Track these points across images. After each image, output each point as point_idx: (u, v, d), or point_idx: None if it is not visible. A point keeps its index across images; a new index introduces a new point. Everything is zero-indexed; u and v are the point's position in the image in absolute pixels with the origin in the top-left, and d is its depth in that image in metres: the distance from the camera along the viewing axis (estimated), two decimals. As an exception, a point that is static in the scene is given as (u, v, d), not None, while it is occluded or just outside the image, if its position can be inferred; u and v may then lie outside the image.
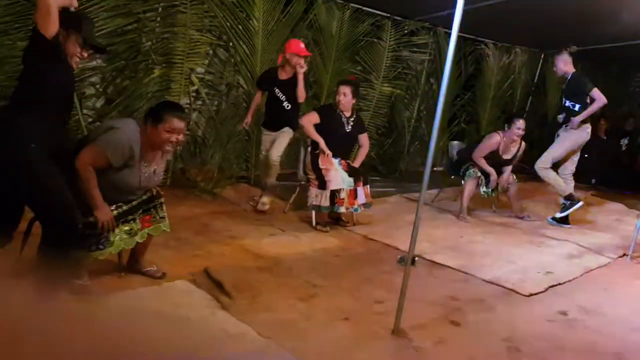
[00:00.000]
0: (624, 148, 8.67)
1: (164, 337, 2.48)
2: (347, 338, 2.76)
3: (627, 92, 10.02)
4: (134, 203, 2.97)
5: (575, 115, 5.32)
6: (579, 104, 5.31)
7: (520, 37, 7.57)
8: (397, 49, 6.71)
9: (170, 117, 2.82)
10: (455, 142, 6.27)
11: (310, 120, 4.61)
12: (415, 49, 6.96)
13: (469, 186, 5.46)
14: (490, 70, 7.80)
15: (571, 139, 5.45)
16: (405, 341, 2.79)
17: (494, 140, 5.46)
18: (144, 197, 3.02)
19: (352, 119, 4.70)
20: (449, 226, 5.15)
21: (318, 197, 4.48)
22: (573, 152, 5.58)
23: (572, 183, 5.62)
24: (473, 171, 5.47)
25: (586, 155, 8.36)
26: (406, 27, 6.72)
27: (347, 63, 6.44)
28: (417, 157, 7.50)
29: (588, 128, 5.39)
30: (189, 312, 2.66)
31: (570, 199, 5.46)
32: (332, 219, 4.77)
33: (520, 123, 5.39)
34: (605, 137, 8.51)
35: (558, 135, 5.58)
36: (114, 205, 2.86)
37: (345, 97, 4.59)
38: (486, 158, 5.45)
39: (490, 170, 5.43)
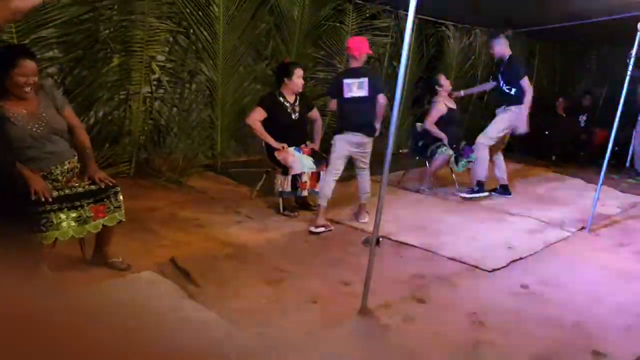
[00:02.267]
0: (582, 124, 8.91)
1: (129, 328, 2.47)
2: (315, 321, 2.80)
3: (584, 70, 10.27)
4: (79, 190, 2.92)
5: (511, 100, 5.55)
6: (514, 88, 5.53)
7: (480, 18, 7.66)
8: (360, 33, 6.71)
9: (18, 60, 2.77)
10: (419, 123, 6.33)
11: (256, 118, 4.54)
12: (378, 33, 6.97)
13: (438, 162, 5.67)
14: (452, 52, 7.89)
15: (508, 119, 5.65)
16: (372, 320, 2.86)
17: (440, 105, 5.78)
18: (93, 187, 2.96)
19: (296, 104, 4.66)
20: (414, 206, 5.23)
21: (282, 183, 4.50)
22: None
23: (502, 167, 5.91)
24: (445, 149, 5.64)
25: (546, 132, 8.61)
26: (367, 11, 6.73)
27: (310, 47, 6.43)
28: (384, 139, 7.54)
29: (518, 108, 5.58)
30: (155, 302, 2.65)
31: (481, 186, 5.67)
32: (299, 204, 4.79)
33: (443, 79, 5.89)
34: (564, 114, 8.73)
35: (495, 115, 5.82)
36: (52, 187, 2.84)
37: (301, 80, 4.60)
38: (441, 124, 5.74)
39: (443, 135, 5.71)
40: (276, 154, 4.53)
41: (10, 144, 2.70)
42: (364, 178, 4.50)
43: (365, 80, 4.26)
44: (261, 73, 6.14)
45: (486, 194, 5.69)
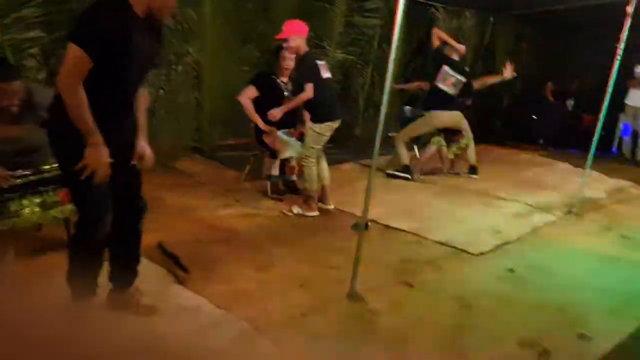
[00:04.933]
0: (570, 109, 8.93)
1: (117, 314, 2.46)
2: (304, 305, 2.80)
3: (573, 54, 10.27)
4: (45, 175, 2.86)
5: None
6: None
7: (470, 0, 7.62)
8: (349, 15, 6.65)
9: None
10: (408, 107, 6.33)
11: (248, 95, 4.47)
12: (367, 14, 6.90)
13: (432, 151, 5.77)
14: (441, 35, 7.83)
15: None
16: (360, 304, 2.86)
17: None
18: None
19: (289, 85, 4.62)
20: (402, 191, 5.24)
21: (270, 167, 4.48)
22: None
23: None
24: (438, 139, 5.72)
25: (534, 117, 8.63)
26: (358, -8, 6.66)
27: (274, 39, 6.34)
28: (372, 123, 7.52)
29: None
30: (143, 287, 2.63)
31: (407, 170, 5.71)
32: (287, 187, 4.77)
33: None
34: (551, 99, 8.75)
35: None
36: (20, 173, 2.77)
37: (292, 61, 4.53)
38: None
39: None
40: (264, 137, 4.49)
41: None
42: (324, 158, 4.41)
43: (324, 62, 4.23)
44: (249, 55, 6.05)
45: (408, 176, 5.67)
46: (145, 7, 2.13)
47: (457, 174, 6.02)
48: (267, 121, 4.45)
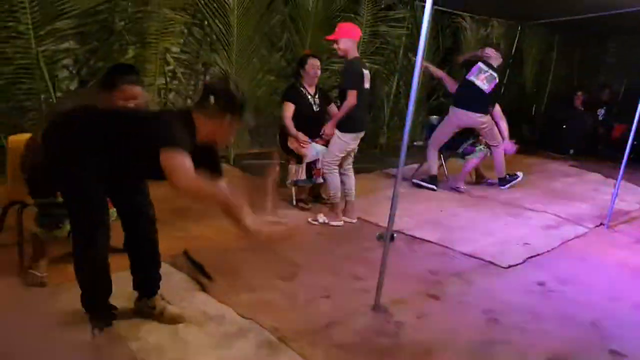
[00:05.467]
0: (600, 118, 8.75)
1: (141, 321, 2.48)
2: (328, 315, 2.78)
3: (603, 63, 10.08)
4: None
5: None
6: None
7: (497, 9, 7.54)
8: (375, 24, 6.65)
9: (121, 84, 2.70)
10: (434, 116, 6.27)
11: (290, 116, 4.47)
12: (393, 24, 6.89)
13: (476, 161, 5.69)
14: (468, 44, 7.76)
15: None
16: (385, 316, 2.83)
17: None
18: None
19: (316, 96, 4.60)
20: (428, 200, 5.18)
21: (296, 173, 4.47)
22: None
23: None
24: (481, 147, 5.66)
25: (564, 126, 8.48)
26: (382, 2, 6.66)
27: (324, 39, 6.36)
28: (397, 132, 7.50)
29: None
30: (167, 295, 2.65)
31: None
32: (313, 196, 4.76)
33: None
34: (582, 108, 8.58)
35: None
36: None
37: (319, 71, 4.53)
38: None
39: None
40: (289, 143, 4.51)
41: None
42: (352, 171, 4.40)
43: (367, 72, 4.17)
44: (275, 64, 6.10)
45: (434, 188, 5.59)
46: (205, 137, 2.27)
47: (484, 183, 5.95)
48: (297, 129, 4.49)
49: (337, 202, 4.26)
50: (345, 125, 4.14)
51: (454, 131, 5.61)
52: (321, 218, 4.23)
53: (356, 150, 4.38)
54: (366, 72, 4.14)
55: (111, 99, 2.69)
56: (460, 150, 5.75)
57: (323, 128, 4.35)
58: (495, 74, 5.46)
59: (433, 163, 5.65)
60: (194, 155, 2.13)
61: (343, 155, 4.20)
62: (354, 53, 4.07)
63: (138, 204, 2.52)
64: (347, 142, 4.14)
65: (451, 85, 5.81)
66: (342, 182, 4.30)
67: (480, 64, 5.46)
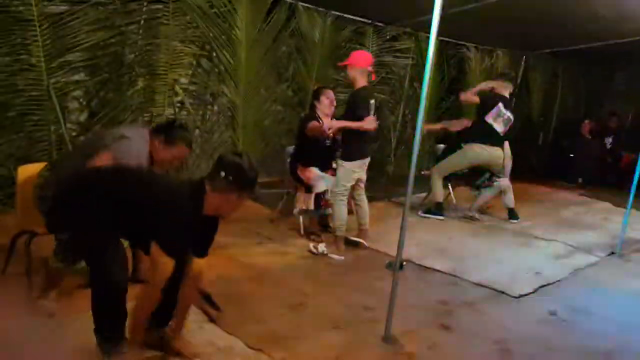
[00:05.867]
0: (608, 147, 8.74)
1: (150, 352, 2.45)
2: (338, 347, 2.74)
3: (610, 91, 10.11)
4: None
5: None
6: None
7: (502, 39, 7.62)
8: (380, 55, 6.72)
9: (181, 144, 2.90)
10: (441, 145, 6.28)
11: (327, 126, 4.38)
12: (398, 54, 6.96)
13: (491, 195, 5.64)
14: (473, 73, 7.82)
15: None
16: (396, 347, 2.78)
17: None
18: None
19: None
20: (437, 229, 5.15)
21: (304, 202, 4.47)
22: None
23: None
24: (499, 182, 5.58)
25: (572, 155, 8.47)
26: (388, 33, 6.74)
27: (330, 69, 6.44)
28: (404, 161, 7.50)
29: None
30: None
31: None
32: (321, 226, 4.75)
33: None
34: (589, 137, 8.59)
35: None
36: None
37: (331, 102, 4.56)
38: None
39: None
40: (299, 172, 4.52)
41: None
42: (365, 199, 4.39)
43: (373, 102, 4.20)
44: (282, 95, 6.16)
45: (442, 217, 5.55)
46: (211, 210, 2.33)
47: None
48: (308, 160, 4.53)
49: (341, 236, 4.24)
50: (350, 155, 4.17)
51: (467, 167, 5.60)
52: (321, 248, 4.19)
53: (364, 179, 4.38)
54: (372, 101, 4.17)
55: (160, 151, 2.86)
56: (479, 182, 5.70)
57: (328, 126, 4.30)
58: (512, 117, 5.40)
59: (438, 190, 5.61)
60: (194, 228, 2.23)
61: (351, 184, 4.20)
62: (362, 82, 4.10)
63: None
64: (353, 170, 4.15)
65: (456, 126, 5.82)
66: (355, 211, 4.31)
67: (500, 105, 5.31)
